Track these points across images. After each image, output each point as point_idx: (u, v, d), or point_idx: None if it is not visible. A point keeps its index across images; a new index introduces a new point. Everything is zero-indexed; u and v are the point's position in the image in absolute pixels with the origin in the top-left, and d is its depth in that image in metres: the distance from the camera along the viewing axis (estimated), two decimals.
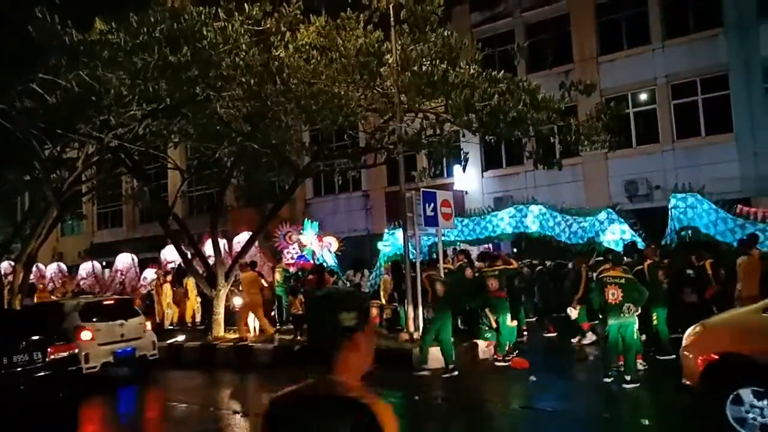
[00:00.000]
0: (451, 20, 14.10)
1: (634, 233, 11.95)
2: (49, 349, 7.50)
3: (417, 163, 17.91)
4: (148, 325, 11.40)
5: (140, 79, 9.31)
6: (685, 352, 6.12)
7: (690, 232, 11.14)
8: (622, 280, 7.40)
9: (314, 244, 16.15)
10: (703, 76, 17.17)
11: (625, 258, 10.30)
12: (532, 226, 13.24)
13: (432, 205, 10.40)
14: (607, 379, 7.63)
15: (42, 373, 7.43)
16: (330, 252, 16.14)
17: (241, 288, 13.41)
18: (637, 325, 7.44)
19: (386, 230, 16.50)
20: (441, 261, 10.76)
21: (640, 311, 7.51)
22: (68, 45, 8.08)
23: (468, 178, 19.62)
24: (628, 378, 7.34)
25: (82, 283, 20.29)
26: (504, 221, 13.51)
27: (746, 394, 5.32)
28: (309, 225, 16.44)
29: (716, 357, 5.66)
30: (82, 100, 9.00)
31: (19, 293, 17.29)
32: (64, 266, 24.06)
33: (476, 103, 9.27)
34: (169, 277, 16.74)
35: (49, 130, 12.28)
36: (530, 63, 17.70)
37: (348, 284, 12.22)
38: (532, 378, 8.28)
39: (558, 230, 13.24)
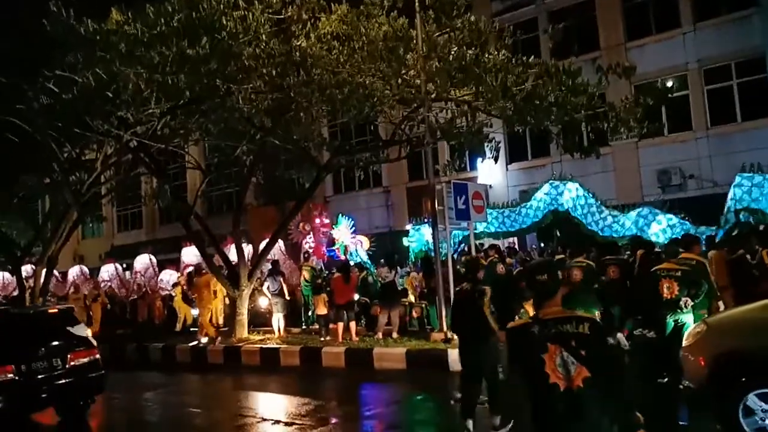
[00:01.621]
0: (471, 9, 13.68)
1: (683, 221, 11.35)
2: (69, 356, 7.17)
3: (440, 157, 17.45)
4: (89, 332, 11.29)
5: (158, 73, 8.99)
6: (687, 353, 5.66)
7: (749, 215, 10.48)
8: (678, 273, 6.84)
9: (347, 239, 15.66)
10: (737, 60, 16.44)
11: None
12: (566, 203, 12.67)
13: (463, 197, 9.92)
14: (661, 380, 7.09)
15: (62, 381, 7.10)
16: (362, 249, 15.72)
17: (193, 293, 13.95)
18: (693, 322, 6.87)
19: (410, 226, 16.05)
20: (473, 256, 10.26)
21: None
22: (84, 36, 7.74)
23: (492, 172, 19.09)
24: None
25: (103, 285, 20.10)
26: (539, 200, 12.98)
27: (757, 398, 4.84)
28: (342, 219, 15.94)
29: (723, 357, 5.19)
30: (99, 95, 8.67)
31: (40, 296, 17.16)
32: (86, 269, 23.96)
33: (512, 87, 8.78)
34: (204, 271, 16.28)
35: (67, 130, 12.07)
36: (555, 51, 17.08)
37: (380, 281, 11.78)
38: None
39: (590, 219, 12.65)
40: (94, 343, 7.77)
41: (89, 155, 17.12)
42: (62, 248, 17.89)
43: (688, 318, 6.83)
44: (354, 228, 16.44)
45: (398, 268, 12.00)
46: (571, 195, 12.58)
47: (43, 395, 7.11)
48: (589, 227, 12.62)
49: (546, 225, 13.88)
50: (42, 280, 17.17)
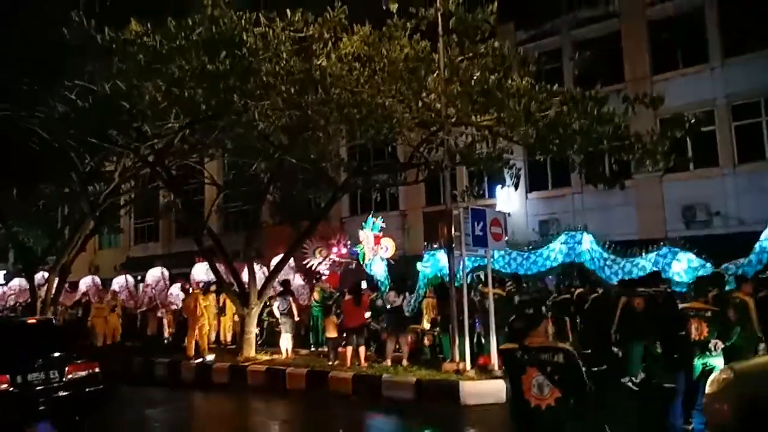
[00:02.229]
0: (495, 38, 13.65)
1: (702, 261, 10.93)
2: (67, 368, 6.97)
3: (458, 183, 17.21)
4: None
5: (176, 87, 8.94)
6: (711, 400, 5.33)
7: None
8: (708, 313, 6.48)
9: (368, 246, 15.25)
10: (767, 97, 16.09)
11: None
12: (584, 254, 12.23)
13: (481, 224, 9.62)
14: (687, 426, 6.66)
15: (60, 394, 6.89)
16: (383, 259, 15.26)
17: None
18: (722, 364, 6.46)
19: (425, 251, 15.71)
20: (490, 285, 9.93)
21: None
22: (101, 45, 7.70)
23: (511, 200, 18.75)
24: None
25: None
26: (555, 251, 12.54)
27: None
28: (371, 222, 15.60)
29: (751, 407, 4.88)
30: (116, 105, 8.63)
31: (51, 305, 17.11)
32: (98, 279, 23.91)
33: (536, 113, 8.55)
34: (213, 287, 16.14)
35: (84, 140, 12.10)
36: (579, 81, 16.86)
37: (388, 306, 11.46)
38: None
39: (608, 272, 12.15)
40: None
41: (109, 167, 17.18)
42: (76, 258, 17.90)
43: (717, 362, 6.43)
44: (381, 230, 15.97)
45: (407, 293, 11.65)
46: (586, 247, 12.21)
47: (39, 408, 6.90)
48: (609, 280, 12.18)
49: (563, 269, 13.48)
50: (54, 288, 17.14)
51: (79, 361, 7.16)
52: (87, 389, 7.17)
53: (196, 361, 12.81)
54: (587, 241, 12.29)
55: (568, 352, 3.43)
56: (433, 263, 14.72)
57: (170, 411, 9.82)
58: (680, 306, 6.83)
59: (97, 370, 7.38)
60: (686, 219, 16.57)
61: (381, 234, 15.59)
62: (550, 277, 16.34)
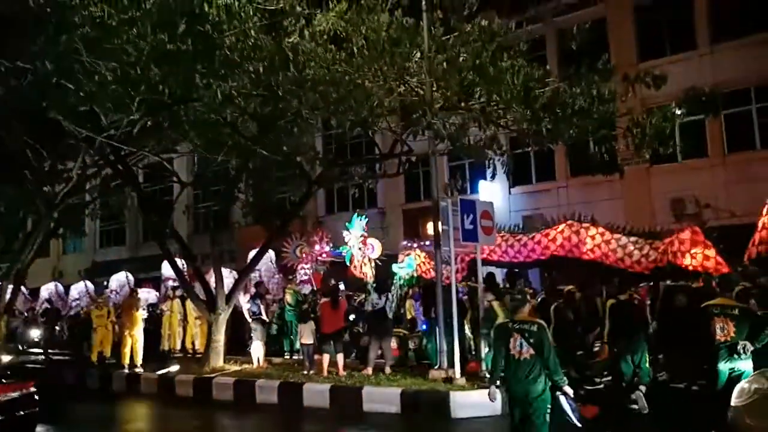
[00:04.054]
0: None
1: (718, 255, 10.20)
2: None
3: (439, 179, 16.35)
4: None
5: (129, 67, 7.91)
6: (741, 416, 4.72)
7: None
8: (735, 311, 5.73)
9: (355, 246, 14.25)
10: (757, 84, 15.59)
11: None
12: (590, 252, 11.17)
13: (471, 216, 8.77)
14: None
15: None
16: (371, 260, 14.31)
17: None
18: (752, 369, 5.70)
19: (402, 251, 14.83)
20: (480, 281, 9.05)
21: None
22: (33, 10, 6.64)
23: (493, 195, 17.93)
24: None
25: (75, 304, 18.68)
26: (556, 242, 11.61)
27: None
28: (356, 219, 14.57)
29: None
30: (58, 83, 7.55)
31: (5, 314, 15.80)
32: (61, 287, 22.51)
33: (535, 89, 7.72)
34: (178, 292, 15.02)
35: (33, 132, 10.97)
36: (563, 70, 16.19)
37: (369, 307, 10.57)
38: None
39: (615, 257, 11.27)
40: None
41: (70, 166, 15.95)
42: (34, 262, 16.62)
43: (746, 365, 5.67)
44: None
45: (389, 294, 10.77)
46: (595, 242, 11.17)
47: None
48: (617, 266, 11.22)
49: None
50: (8, 296, 15.81)
51: (5, 381, 6.11)
52: (19, 413, 6.12)
53: (159, 372, 11.73)
54: (593, 233, 11.29)
55: (540, 324, 5.09)
56: (409, 264, 13.93)
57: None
58: (703, 303, 6.06)
59: (32, 389, 6.33)
60: (675, 212, 16.01)
61: (366, 234, 14.67)
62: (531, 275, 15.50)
